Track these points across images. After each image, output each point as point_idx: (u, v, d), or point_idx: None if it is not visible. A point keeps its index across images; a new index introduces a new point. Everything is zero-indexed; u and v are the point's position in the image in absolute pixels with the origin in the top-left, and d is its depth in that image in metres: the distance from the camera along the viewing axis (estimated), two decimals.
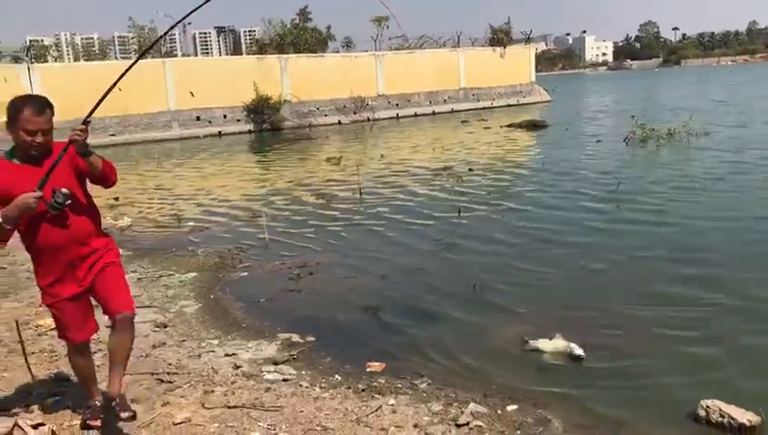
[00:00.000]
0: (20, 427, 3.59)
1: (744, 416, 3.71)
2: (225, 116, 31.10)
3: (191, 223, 10.87)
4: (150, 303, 6.52)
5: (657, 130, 18.03)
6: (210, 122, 30.68)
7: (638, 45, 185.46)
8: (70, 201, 3.35)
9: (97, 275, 3.57)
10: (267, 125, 31.49)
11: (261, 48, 42.38)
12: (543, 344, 4.95)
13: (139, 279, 7.41)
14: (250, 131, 31.10)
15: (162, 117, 29.53)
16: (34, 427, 3.66)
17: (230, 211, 11.83)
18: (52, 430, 3.70)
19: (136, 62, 4.03)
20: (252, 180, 16.39)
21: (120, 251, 8.92)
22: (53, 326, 5.66)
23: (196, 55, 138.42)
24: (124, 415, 3.59)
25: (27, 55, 32.56)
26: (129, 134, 28.53)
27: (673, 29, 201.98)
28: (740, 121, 21.53)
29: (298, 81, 32.68)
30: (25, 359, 4.41)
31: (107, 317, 3.68)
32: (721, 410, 3.77)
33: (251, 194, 13.85)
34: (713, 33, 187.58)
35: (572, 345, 4.83)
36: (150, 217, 11.64)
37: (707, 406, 3.83)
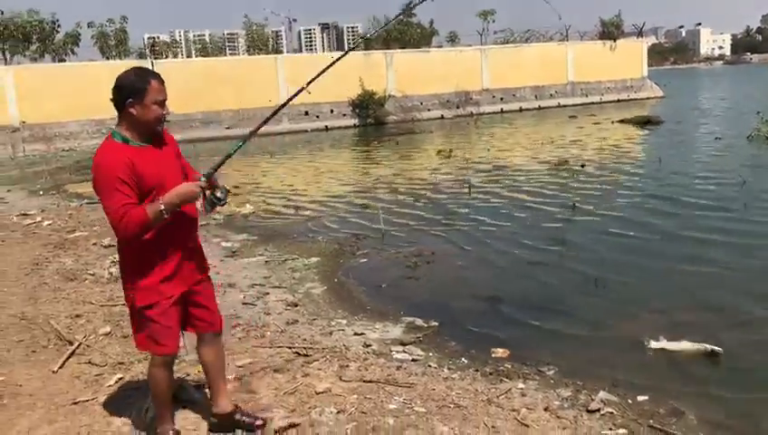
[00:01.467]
0: (185, 388, 3.97)
1: None
2: (331, 111, 31.90)
3: (308, 212, 11.35)
4: (279, 284, 6.93)
5: None
6: (318, 117, 31.56)
7: (759, 38, 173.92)
8: (225, 203, 3.32)
9: (201, 281, 3.43)
10: (371, 120, 32.03)
11: (366, 43, 43.09)
12: (669, 345, 4.91)
13: (266, 262, 7.87)
14: (355, 126, 31.76)
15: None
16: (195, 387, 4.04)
17: (344, 201, 12.24)
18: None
19: (334, 62, 3.90)
20: (362, 172, 16.83)
21: (246, 236, 9.50)
22: None
23: (301, 51, 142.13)
24: (259, 422, 3.54)
25: (150, 52, 34.69)
26: (242, 128, 29.83)
27: None
28: None
29: (402, 76, 33.02)
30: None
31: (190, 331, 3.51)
32: None
33: (362, 185, 14.24)
34: None
35: (704, 345, 4.77)
36: (269, 206, 12.21)
37: None
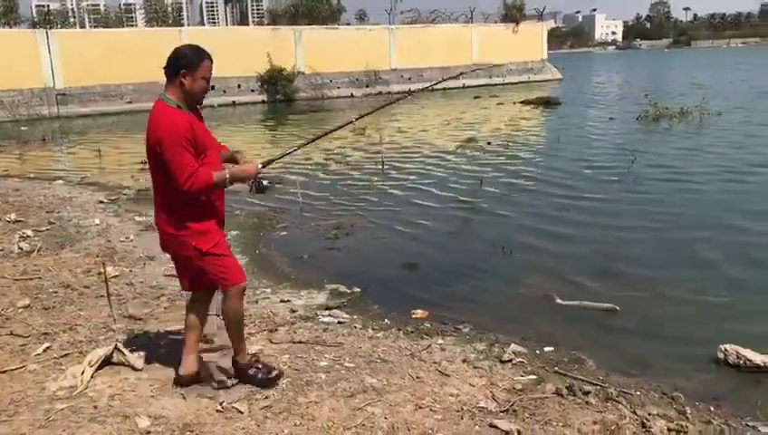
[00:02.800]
0: (119, 350, 4.05)
1: (759, 358, 4.17)
2: (239, 86, 31.39)
3: None
4: None
5: (669, 109, 18.34)
6: (225, 92, 30.94)
7: (648, 25, 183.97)
8: (266, 191, 3.92)
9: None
10: (281, 96, 31.79)
11: (274, 19, 42.50)
12: (572, 302, 5.41)
13: None
14: (264, 102, 31.43)
15: None
16: (130, 351, 4.12)
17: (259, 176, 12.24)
18: (145, 355, 4.17)
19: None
20: (276, 148, 16.77)
21: None
22: (115, 274, 6.17)
23: (204, 25, 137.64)
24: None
25: (44, 21, 32.80)
26: (145, 102, 28.82)
27: (684, 9, 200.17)
28: (752, 101, 21.78)
29: (312, 53, 32.89)
30: (108, 298, 4.85)
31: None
32: (738, 352, 4.22)
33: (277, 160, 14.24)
34: (724, 15, 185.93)
35: (603, 304, 5.30)
36: None
37: (725, 349, 4.28)
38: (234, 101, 30.70)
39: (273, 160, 3.84)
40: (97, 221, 8.58)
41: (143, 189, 11.04)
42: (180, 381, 3.80)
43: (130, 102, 28.51)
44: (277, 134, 19.95)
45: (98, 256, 6.76)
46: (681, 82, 33.45)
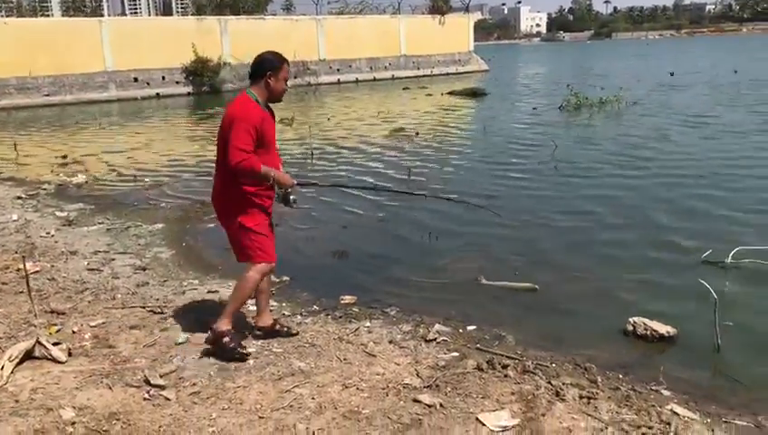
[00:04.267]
0: (41, 344, 3.98)
1: (664, 328, 4.47)
2: (163, 78, 30.62)
3: (147, 179, 11.08)
4: (125, 250, 6.86)
5: (590, 99, 19.06)
6: (148, 84, 30.17)
7: (570, 17, 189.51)
8: (292, 207, 4.24)
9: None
10: (207, 87, 31.19)
11: (198, 9, 41.57)
12: (494, 283, 5.63)
13: (108, 229, 7.70)
14: (189, 93, 30.76)
15: (99, 77, 28.83)
16: (53, 344, 4.06)
17: (185, 169, 12.07)
18: (69, 348, 4.11)
19: None
20: (201, 140, 16.50)
21: (82, 205, 9.17)
22: (36, 270, 6.02)
23: (125, 15, 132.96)
24: (294, 332, 4.48)
25: None
26: (63, 95, 27.79)
27: (605, 2, 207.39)
28: (667, 91, 22.85)
29: (238, 43, 32.31)
30: (29, 293, 4.75)
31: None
32: (645, 324, 4.52)
33: (203, 152, 14.02)
34: (642, 8, 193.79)
35: (523, 283, 5.53)
36: (104, 175, 11.73)
37: (634, 322, 4.57)
38: (158, 93, 29.96)
39: (309, 184, 4.91)
40: (15, 217, 8.30)
41: (63, 184, 10.73)
42: (259, 334, 4.41)
43: (48, 96, 27.40)
44: (199, 132, 19.60)
45: (16, 253, 6.56)
46: (601, 73, 34.68)
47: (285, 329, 4.50)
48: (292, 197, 4.10)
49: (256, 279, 4.15)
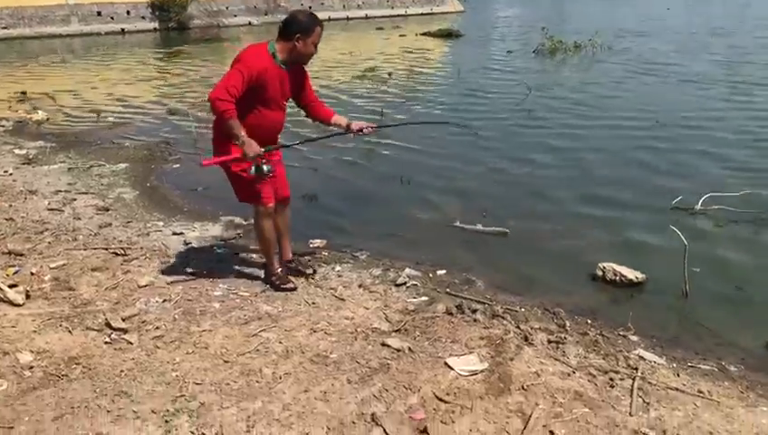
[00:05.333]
0: None
1: (633, 274, 4.48)
2: (128, 12, 29.45)
3: (110, 118, 10.73)
4: (87, 190, 6.66)
5: (564, 42, 18.83)
6: (112, 18, 29.00)
7: None
8: (266, 178, 3.97)
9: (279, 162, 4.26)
10: (173, 24, 30.11)
11: None
12: (465, 226, 5.58)
13: (69, 169, 7.46)
14: (155, 29, 29.67)
15: (60, 10, 27.61)
16: (9, 287, 3.92)
17: (150, 107, 11.71)
18: (27, 290, 3.98)
19: None
20: (167, 77, 16.01)
21: (42, 143, 8.86)
22: None
23: None
24: (309, 271, 4.48)
25: None
26: (22, 28, 26.63)
27: None
28: (639, 36, 22.69)
29: None
30: None
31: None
32: (614, 269, 4.51)
33: (169, 91, 13.63)
34: None
35: (495, 228, 5.48)
36: (66, 112, 11.33)
37: (603, 267, 4.56)
38: (123, 29, 28.85)
39: (276, 148, 4.13)
40: None
41: (21, 121, 10.34)
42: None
43: (6, 28, 26.24)
44: (167, 69, 18.98)
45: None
46: (578, 17, 34.30)
47: (303, 267, 4.53)
48: (265, 167, 3.91)
49: (261, 223, 4.13)
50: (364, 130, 4.31)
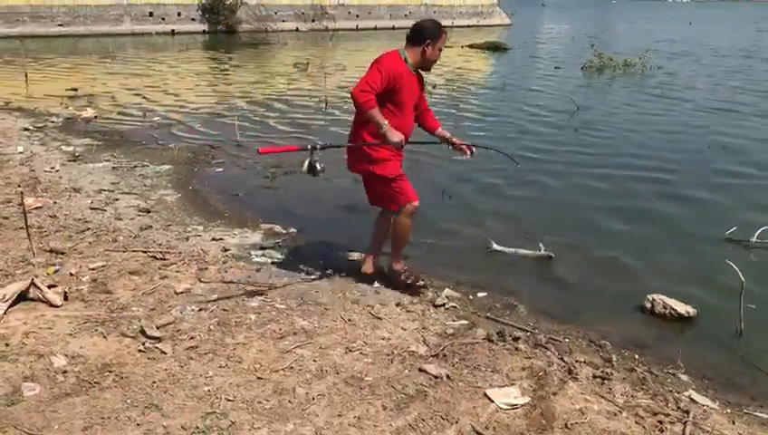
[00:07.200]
0: (36, 286, 3.84)
1: (684, 308, 4.28)
2: (179, 14, 30.00)
3: (157, 118, 10.85)
4: (130, 190, 6.70)
5: (613, 60, 18.49)
6: (163, 19, 29.58)
7: None
8: (318, 175, 4.03)
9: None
10: (222, 27, 30.56)
11: None
12: (507, 249, 5.41)
13: (114, 168, 7.53)
14: (204, 32, 30.18)
15: (114, 10, 28.27)
16: (48, 287, 3.91)
17: (197, 110, 11.81)
18: (65, 291, 3.97)
19: None
20: (215, 80, 16.20)
21: (89, 141, 8.98)
22: (38, 205, 5.87)
23: None
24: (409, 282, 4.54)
25: None
26: (77, 26, 27.30)
27: None
28: (690, 56, 22.19)
29: None
30: (27, 230, 4.59)
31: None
32: (664, 302, 4.32)
33: (216, 94, 13.77)
34: None
35: (538, 252, 5.30)
36: (114, 111, 11.50)
37: (653, 299, 4.37)
38: (173, 30, 29.40)
39: (332, 145, 4.20)
40: (21, 149, 8.12)
41: (71, 117, 10.52)
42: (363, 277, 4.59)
43: (62, 26, 26.93)
44: (214, 72, 19.21)
45: (19, 186, 6.39)
46: (628, 34, 33.75)
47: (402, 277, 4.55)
48: (319, 165, 3.94)
49: (405, 221, 4.32)
50: (463, 148, 4.54)
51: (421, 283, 4.47)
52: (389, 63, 4.01)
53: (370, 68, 3.99)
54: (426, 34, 4.14)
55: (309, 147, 3.93)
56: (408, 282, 4.47)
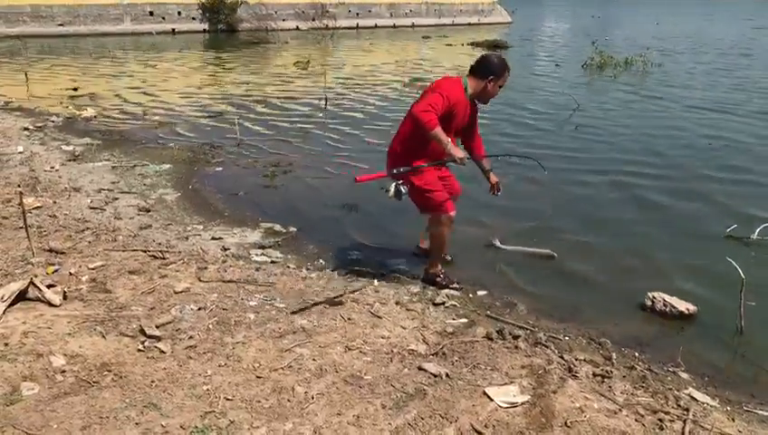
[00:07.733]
0: (35, 285, 3.83)
1: (684, 305, 4.27)
2: (179, 13, 29.93)
3: (157, 118, 10.83)
4: (129, 189, 6.69)
5: (614, 58, 18.45)
6: (164, 18, 29.51)
7: None
8: (401, 199, 4.34)
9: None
10: (223, 26, 30.50)
11: None
12: (509, 248, 5.40)
13: (113, 167, 7.52)
14: (205, 31, 30.09)
15: (114, 10, 28.22)
16: (47, 287, 3.91)
17: (197, 108, 11.79)
18: (64, 291, 3.96)
19: None
20: (216, 79, 16.15)
21: (89, 140, 8.97)
22: (38, 205, 5.87)
23: None
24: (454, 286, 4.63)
25: None
26: (77, 26, 27.27)
27: None
28: (692, 53, 22.14)
29: None
30: (26, 230, 4.59)
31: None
32: (664, 300, 4.31)
33: (216, 93, 13.75)
34: None
35: (541, 249, 5.29)
36: (114, 110, 11.48)
37: (653, 297, 4.36)
38: (173, 29, 29.32)
39: (409, 171, 4.29)
40: (20, 149, 8.11)
41: (71, 117, 10.52)
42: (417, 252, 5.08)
43: (62, 25, 26.90)
44: (215, 71, 19.19)
45: (19, 186, 6.39)
46: (627, 30, 33.70)
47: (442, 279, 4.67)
48: (403, 189, 4.23)
49: (440, 229, 4.49)
50: (492, 187, 4.92)
51: (456, 286, 4.55)
52: (450, 90, 4.15)
53: (435, 94, 4.07)
54: (491, 69, 4.30)
55: (394, 172, 4.22)
56: (444, 283, 4.56)
